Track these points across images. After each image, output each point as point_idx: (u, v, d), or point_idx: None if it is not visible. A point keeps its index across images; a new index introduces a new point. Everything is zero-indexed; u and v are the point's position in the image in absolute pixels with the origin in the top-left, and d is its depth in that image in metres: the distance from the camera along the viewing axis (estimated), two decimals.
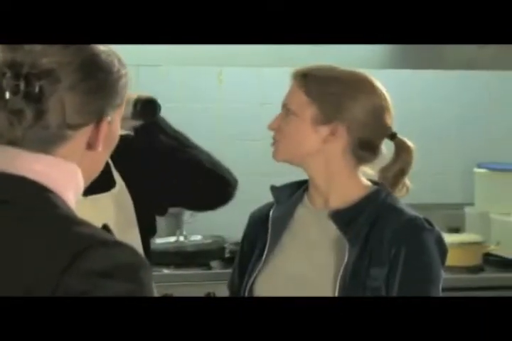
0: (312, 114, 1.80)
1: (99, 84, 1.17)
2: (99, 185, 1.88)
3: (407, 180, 1.87)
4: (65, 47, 1.15)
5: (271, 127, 1.86)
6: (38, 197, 1.13)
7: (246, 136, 3.69)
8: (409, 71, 3.77)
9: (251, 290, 1.84)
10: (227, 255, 3.36)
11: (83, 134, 1.18)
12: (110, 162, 1.94)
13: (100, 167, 1.27)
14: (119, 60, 1.21)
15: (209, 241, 3.41)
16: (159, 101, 1.96)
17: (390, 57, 3.71)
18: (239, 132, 3.72)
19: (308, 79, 1.81)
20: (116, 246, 1.09)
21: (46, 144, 1.16)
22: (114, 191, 1.94)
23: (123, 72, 1.21)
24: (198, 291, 3.02)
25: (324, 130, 1.80)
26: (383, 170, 1.85)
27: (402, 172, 1.85)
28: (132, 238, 1.92)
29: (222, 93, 3.73)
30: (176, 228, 3.45)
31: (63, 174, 1.17)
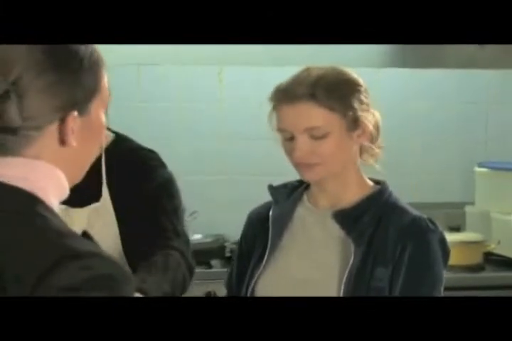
0: (342, 124, 1.75)
1: (55, 81, 1.10)
2: (86, 196, 1.95)
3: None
4: (15, 46, 1.09)
5: (303, 154, 1.75)
6: (20, 205, 1.07)
7: (246, 136, 3.69)
8: (409, 70, 3.77)
9: (253, 291, 1.83)
10: (227, 254, 3.36)
11: (50, 132, 1.11)
12: (104, 175, 2.01)
13: (85, 162, 1.19)
14: (81, 50, 1.13)
15: (209, 239, 3.41)
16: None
17: (391, 57, 3.72)
18: (239, 131, 3.72)
19: (318, 93, 1.72)
20: (91, 256, 1.02)
21: (11, 148, 1.10)
22: (97, 204, 2.02)
23: (87, 61, 1.13)
24: (198, 290, 3.02)
25: (356, 133, 1.77)
26: None
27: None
28: (114, 248, 2.00)
29: (222, 92, 3.73)
30: None
31: (41, 175, 1.11)
